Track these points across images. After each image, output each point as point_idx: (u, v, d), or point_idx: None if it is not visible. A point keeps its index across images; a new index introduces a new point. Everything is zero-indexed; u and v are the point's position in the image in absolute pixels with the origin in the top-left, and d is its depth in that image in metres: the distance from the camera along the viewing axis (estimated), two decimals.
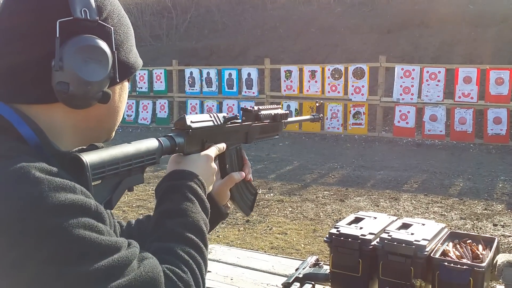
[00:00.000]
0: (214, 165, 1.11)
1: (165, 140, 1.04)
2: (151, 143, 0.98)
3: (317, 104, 1.89)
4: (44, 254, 0.68)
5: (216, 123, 1.19)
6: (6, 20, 0.84)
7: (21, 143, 0.80)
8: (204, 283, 0.89)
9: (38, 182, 0.72)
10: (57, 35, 0.80)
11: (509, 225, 4.83)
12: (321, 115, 1.84)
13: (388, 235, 1.61)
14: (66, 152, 0.83)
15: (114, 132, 1.00)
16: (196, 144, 1.12)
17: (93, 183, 0.83)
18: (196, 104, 11.16)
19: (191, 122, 1.10)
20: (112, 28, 0.88)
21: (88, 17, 0.84)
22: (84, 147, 0.87)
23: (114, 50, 0.88)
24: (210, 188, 1.10)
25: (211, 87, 11.03)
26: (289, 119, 1.59)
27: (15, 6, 0.84)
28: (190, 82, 11.21)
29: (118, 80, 0.89)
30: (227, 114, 1.29)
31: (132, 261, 0.76)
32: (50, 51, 0.81)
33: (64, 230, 0.70)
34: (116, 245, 0.75)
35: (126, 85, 1.00)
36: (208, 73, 11.02)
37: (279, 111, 1.48)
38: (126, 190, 0.94)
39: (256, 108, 1.38)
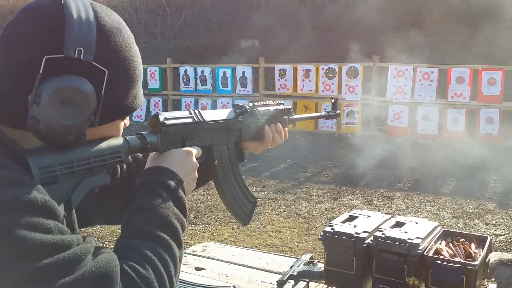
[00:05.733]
0: (194, 160, 1.05)
1: (134, 139, 0.98)
2: (114, 141, 0.94)
3: (333, 101, 1.69)
4: None
5: (196, 120, 1.11)
6: (6, 38, 0.81)
7: None
8: (171, 281, 0.85)
9: None
10: (40, 71, 0.77)
11: (501, 224, 4.87)
12: (338, 111, 1.70)
13: (382, 234, 1.63)
14: (18, 150, 0.80)
15: None
16: (174, 143, 1.05)
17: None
18: (191, 102, 11.13)
19: (165, 119, 1.04)
20: (107, 71, 0.83)
21: (81, 57, 0.79)
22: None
23: (102, 94, 0.83)
24: (193, 185, 1.05)
25: (206, 85, 11.01)
26: (298, 116, 1.48)
27: (15, 29, 0.81)
28: (184, 80, 11.18)
29: (96, 125, 0.85)
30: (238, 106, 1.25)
31: (84, 258, 0.74)
32: (32, 84, 0.78)
33: (4, 230, 0.67)
34: (63, 243, 0.72)
35: (119, 123, 0.95)
36: (202, 71, 11.00)
37: (281, 107, 1.40)
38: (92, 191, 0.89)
39: (251, 104, 1.31)
